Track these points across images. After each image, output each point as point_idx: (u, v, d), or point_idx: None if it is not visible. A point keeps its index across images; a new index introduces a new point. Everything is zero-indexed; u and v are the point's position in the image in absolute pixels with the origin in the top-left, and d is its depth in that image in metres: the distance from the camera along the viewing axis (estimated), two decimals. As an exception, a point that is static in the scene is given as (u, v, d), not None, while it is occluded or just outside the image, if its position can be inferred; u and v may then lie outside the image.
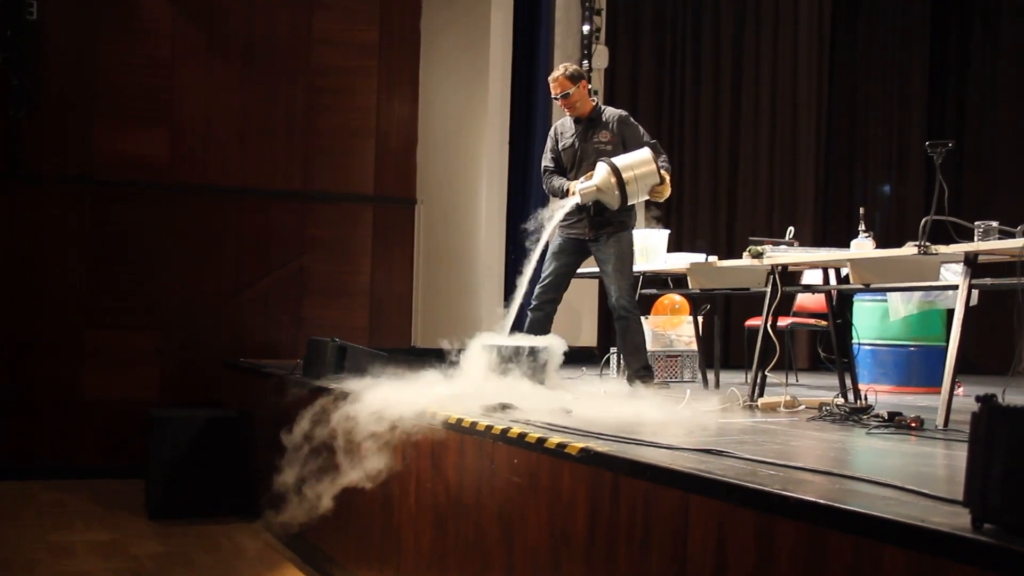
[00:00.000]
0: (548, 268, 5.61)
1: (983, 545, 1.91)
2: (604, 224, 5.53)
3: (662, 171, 5.31)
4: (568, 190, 5.49)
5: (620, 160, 5.27)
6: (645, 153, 5.29)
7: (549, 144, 5.80)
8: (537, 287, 5.61)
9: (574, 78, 5.55)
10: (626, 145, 5.51)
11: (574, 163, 5.64)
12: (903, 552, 2.04)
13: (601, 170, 5.29)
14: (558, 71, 5.61)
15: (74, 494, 7.33)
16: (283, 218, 8.75)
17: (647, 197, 5.44)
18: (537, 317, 5.58)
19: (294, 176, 8.82)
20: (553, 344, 5.15)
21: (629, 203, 5.34)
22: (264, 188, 8.70)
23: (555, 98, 5.62)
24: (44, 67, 8.06)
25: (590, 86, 9.00)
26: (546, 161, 5.80)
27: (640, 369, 5.49)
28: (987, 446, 1.99)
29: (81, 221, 8.16)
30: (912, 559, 2.02)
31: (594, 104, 5.65)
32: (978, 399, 2.04)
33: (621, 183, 5.22)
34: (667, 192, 5.40)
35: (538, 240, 5.56)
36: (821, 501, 2.28)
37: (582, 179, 5.41)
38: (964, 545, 1.94)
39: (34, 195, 8.05)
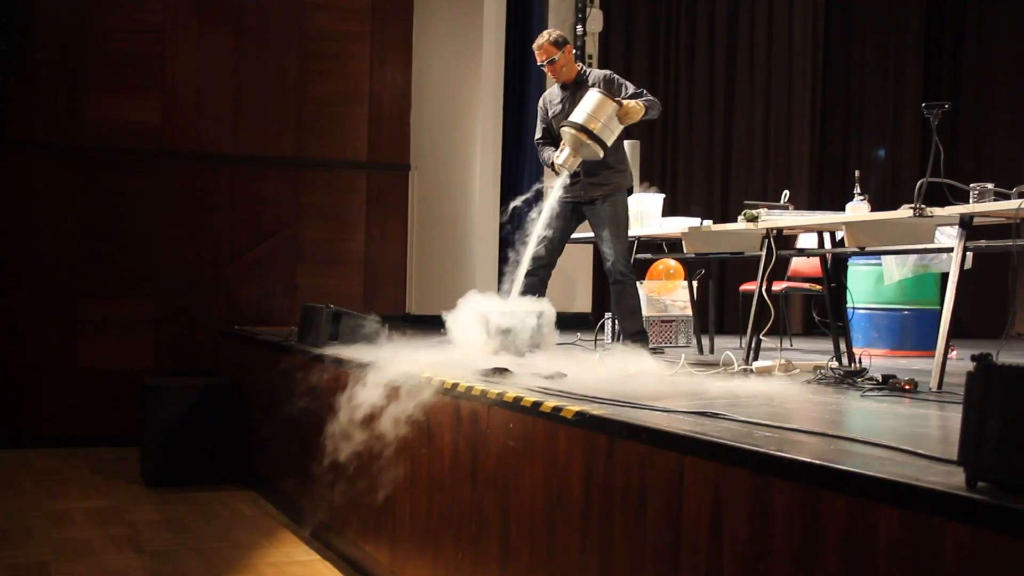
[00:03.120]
0: (542, 233, 5.60)
1: (978, 503, 1.92)
2: (599, 186, 5.51)
3: (616, 99, 5.23)
4: (554, 165, 5.47)
5: (577, 115, 5.24)
6: (593, 95, 5.25)
7: (539, 115, 5.77)
8: (532, 252, 5.60)
9: (558, 43, 5.52)
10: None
11: None
12: (898, 511, 2.05)
13: (567, 135, 5.27)
14: (542, 38, 5.57)
15: (70, 462, 7.35)
16: (276, 185, 8.72)
17: (623, 126, 5.33)
18: (531, 282, 5.57)
19: (287, 143, 8.78)
20: (545, 309, 5.15)
21: (610, 143, 5.27)
22: (257, 155, 8.66)
23: (540, 65, 5.59)
24: (34, 32, 7.99)
25: (586, 51, 9.03)
26: (538, 133, 5.79)
27: (635, 334, 5.49)
28: (982, 405, 1.99)
29: (73, 189, 8.12)
30: (907, 518, 2.03)
31: (579, 68, 5.62)
32: (974, 358, 2.04)
33: (591, 134, 5.17)
34: (636, 112, 5.26)
35: (538, 214, 5.56)
36: (816, 461, 2.29)
37: (556, 152, 5.41)
38: (959, 503, 1.95)
39: (24, 162, 8.00)
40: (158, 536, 5.42)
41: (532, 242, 5.55)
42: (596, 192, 5.51)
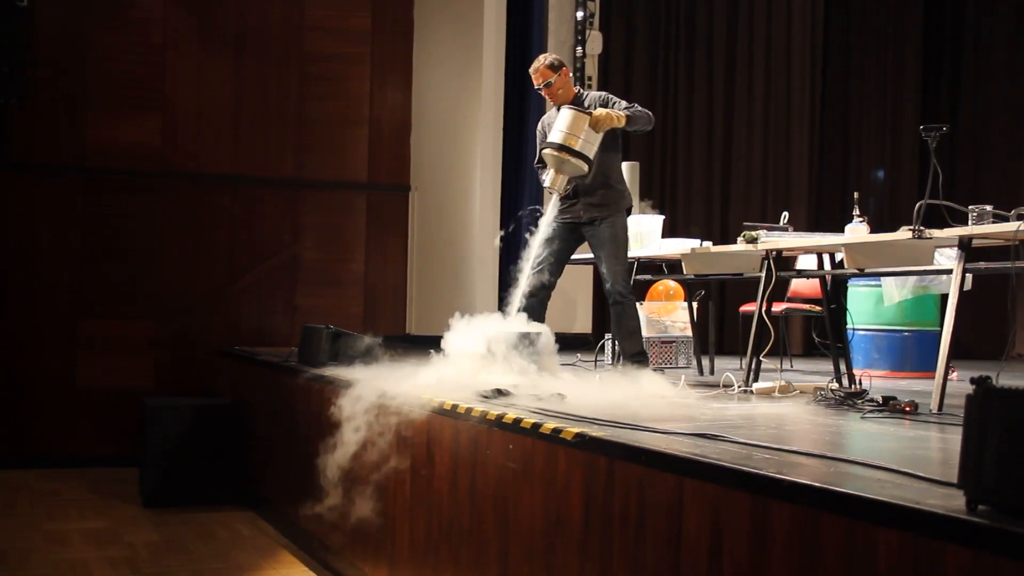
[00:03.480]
0: (542, 254, 5.59)
1: (978, 526, 1.91)
2: (598, 207, 5.49)
3: (586, 111, 5.24)
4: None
5: (554, 136, 5.24)
6: (565, 112, 5.26)
7: (538, 139, 5.75)
8: (531, 273, 5.59)
9: (554, 67, 5.52)
10: None
11: None
12: (898, 534, 2.04)
13: (548, 158, 5.28)
14: (538, 62, 5.58)
15: (69, 483, 7.33)
16: (276, 206, 8.73)
17: (600, 135, 5.32)
18: (531, 304, 5.55)
19: (287, 163, 8.80)
20: (544, 332, 5.14)
21: (591, 155, 5.24)
22: (257, 176, 8.68)
23: (537, 88, 5.59)
24: (35, 54, 8.02)
25: (585, 73, 9.06)
26: (537, 157, 5.76)
27: (635, 355, 5.47)
28: (981, 427, 1.99)
29: (73, 209, 8.13)
30: (907, 540, 2.02)
31: (577, 91, 5.62)
32: (973, 381, 2.04)
33: (571, 151, 5.18)
34: (607, 120, 5.21)
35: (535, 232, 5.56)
36: (816, 484, 2.28)
37: (543, 176, 5.42)
38: (959, 526, 1.94)
39: (25, 183, 8.02)
40: (156, 557, 5.40)
41: (531, 263, 5.54)
42: (595, 213, 5.49)
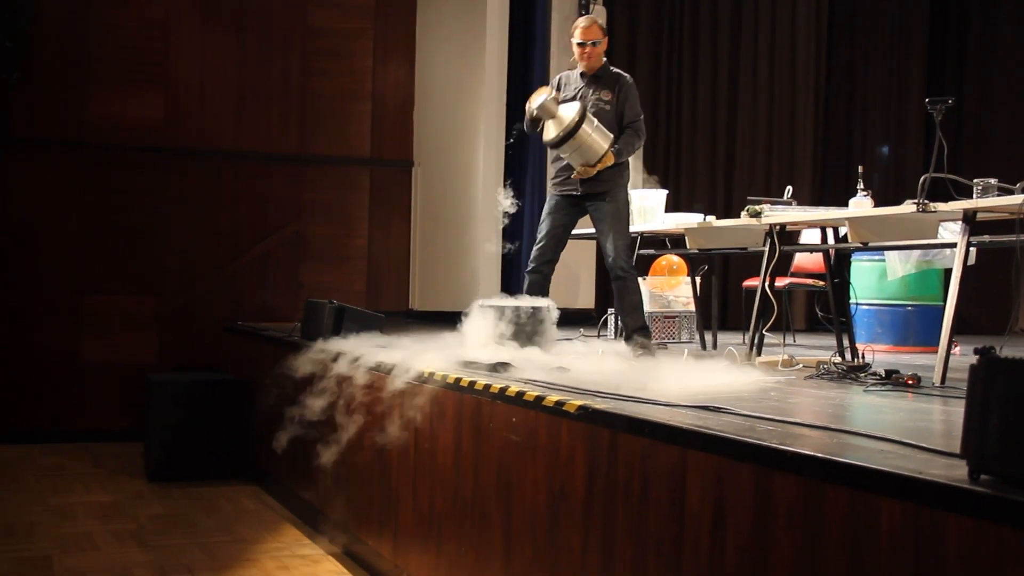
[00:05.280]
0: (543, 228, 5.58)
1: (980, 496, 1.92)
2: (598, 181, 5.46)
3: (612, 152, 5.29)
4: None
5: (592, 122, 5.25)
6: (608, 140, 5.28)
7: (552, 87, 5.60)
8: (533, 248, 5.58)
9: (604, 30, 5.55)
10: (621, 110, 5.46)
11: None
12: (900, 504, 2.05)
13: (575, 108, 5.24)
14: (591, 19, 5.57)
15: (74, 458, 7.36)
16: (280, 182, 8.72)
17: (576, 148, 5.32)
18: (535, 279, 5.55)
19: (290, 139, 8.78)
20: (548, 306, 5.14)
21: (563, 134, 5.19)
22: (260, 152, 8.67)
23: (582, 43, 5.46)
24: (37, 29, 8.00)
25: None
26: (539, 107, 5.65)
27: (638, 329, 5.47)
28: (985, 398, 1.99)
29: (76, 185, 8.13)
30: (909, 511, 2.03)
31: (603, 62, 5.60)
32: (976, 351, 2.04)
33: (577, 126, 5.16)
34: (606, 161, 5.33)
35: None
36: (819, 455, 2.29)
37: (536, 127, 5.40)
38: (961, 496, 1.95)
39: (28, 159, 8.01)
40: (162, 530, 5.43)
41: (535, 246, 5.55)
42: (596, 187, 5.46)
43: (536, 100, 5.35)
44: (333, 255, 8.87)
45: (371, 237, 9.00)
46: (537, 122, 5.43)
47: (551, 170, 5.67)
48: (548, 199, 5.63)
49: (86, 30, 8.16)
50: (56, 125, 8.10)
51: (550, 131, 5.26)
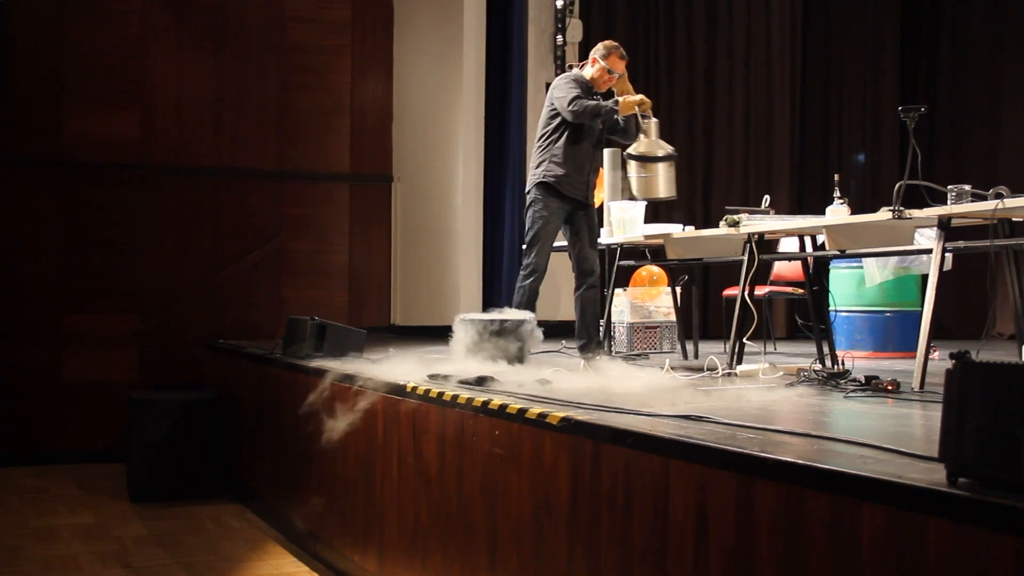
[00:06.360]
0: (548, 233, 5.65)
1: (959, 499, 1.94)
2: (591, 190, 5.69)
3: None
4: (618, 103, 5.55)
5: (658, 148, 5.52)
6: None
7: (581, 89, 5.68)
8: (538, 256, 5.61)
9: None
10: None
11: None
12: (881, 508, 2.07)
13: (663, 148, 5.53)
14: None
15: (56, 479, 7.32)
16: (259, 198, 8.72)
17: (654, 174, 5.54)
18: (537, 286, 5.63)
19: (269, 155, 8.79)
20: (532, 318, 5.18)
21: (666, 154, 5.51)
22: (239, 168, 8.67)
23: (616, 74, 5.69)
24: (12, 48, 7.99)
25: (566, 61, 9.05)
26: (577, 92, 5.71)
27: (600, 341, 5.68)
28: (961, 401, 2.02)
29: (55, 204, 8.11)
30: (890, 515, 2.05)
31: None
32: (952, 355, 2.07)
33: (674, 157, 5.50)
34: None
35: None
36: (800, 461, 2.31)
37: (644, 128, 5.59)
38: (940, 499, 1.97)
39: (5, 178, 7.98)
40: (146, 551, 5.41)
41: (534, 246, 5.61)
42: (590, 196, 5.71)
43: (649, 108, 5.56)
44: (314, 271, 8.87)
45: (352, 252, 9.00)
46: (622, 122, 5.65)
47: (557, 170, 5.64)
48: (550, 202, 5.61)
49: (62, 48, 8.15)
50: (33, 144, 8.08)
51: (647, 147, 5.48)
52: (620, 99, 5.55)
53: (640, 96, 5.60)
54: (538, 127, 5.77)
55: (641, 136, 5.56)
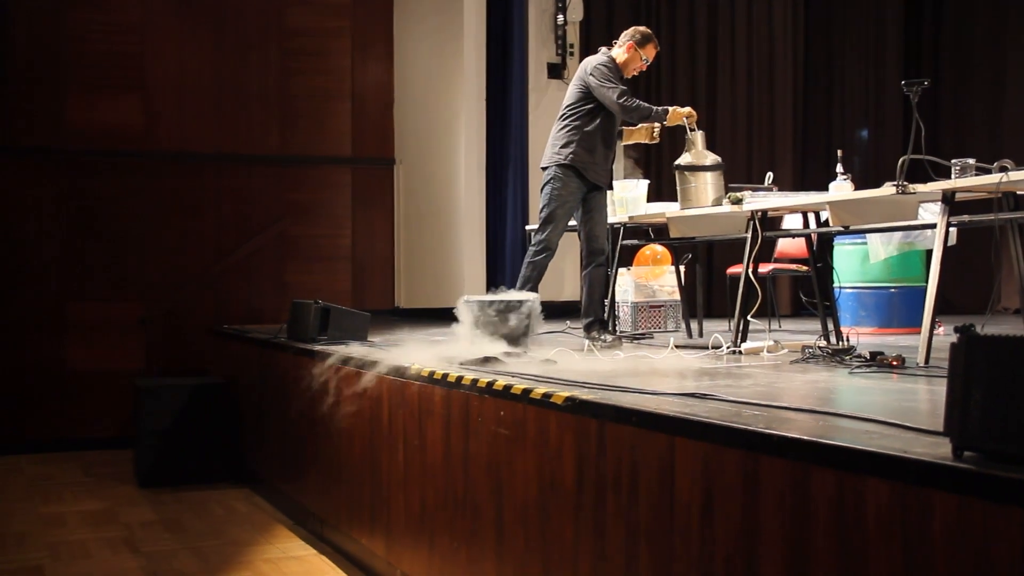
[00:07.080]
0: (565, 211, 5.66)
1: (964, 472, 1.93)
2: (609, 173, 5.81)
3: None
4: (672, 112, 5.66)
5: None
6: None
7: (616, 76, 5.68)
8: (551, 230, 5.62)
9: None
10: None
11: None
12: (887, 483, 2.07)
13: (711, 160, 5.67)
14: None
15: (63, 466, 7.35)
16: (261, 183, 8.71)
17: (698, 183, 5.70)
18: (546, 264, 5.65)
19: (271, 140, 8.77)
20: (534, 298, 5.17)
21: (714, 164, 5.68)
22: (241, 153, 8.66)
23: (647, 61, 5.76)
24: (10, 36, 7.96)
25: (567, 40, 9.02)
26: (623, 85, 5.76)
27: (604, 319, 5.71)
28: (966, 375, 2.01)
29: (56, 192, 8.10)
30: (896, 489, 2.05)
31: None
32: (957, 329, 2.06)
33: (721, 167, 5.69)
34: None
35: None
36: (805, 437, 2.30)
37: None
38: (946, 473, 1.96)
39: (6, 167, 7.98)
40: (153, 536, 5.43)
41: (548, 225, 5.62)
42: (612, 180, 5.90)
43: (695, 120, 5.71)
44: (317, 255, 8.86)
45: (355, 236, 9.00)
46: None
47: (585, 156, 5.65)
48: (571, 183, 5.64)
49: (61, 35, 8.13)
50: (34, 133, 8.07)
51: (696, 157, 5.66)
52: (669, 109, 5.65)
53: (688, 108, 5.69)
54: (565, 102, 5.73)
55: (689, 146, 5.71)
